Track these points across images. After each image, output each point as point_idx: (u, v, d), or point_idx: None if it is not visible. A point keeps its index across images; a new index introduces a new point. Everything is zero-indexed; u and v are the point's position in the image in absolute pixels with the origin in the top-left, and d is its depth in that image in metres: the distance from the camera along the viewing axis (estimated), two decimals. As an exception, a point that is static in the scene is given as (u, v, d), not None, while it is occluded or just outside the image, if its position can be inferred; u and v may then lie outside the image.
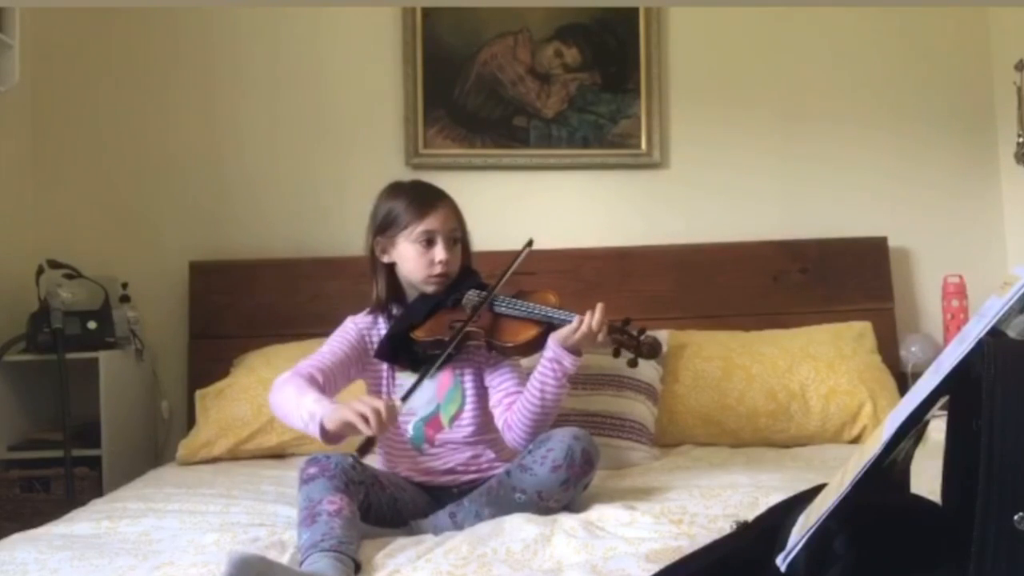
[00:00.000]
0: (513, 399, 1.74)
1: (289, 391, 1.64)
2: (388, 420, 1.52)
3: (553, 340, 1.69)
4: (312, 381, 1.67)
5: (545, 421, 1.70)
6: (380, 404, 1.50)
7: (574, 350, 1.68)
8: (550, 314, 1.72)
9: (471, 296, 1.77)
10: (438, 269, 1.77)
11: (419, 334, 1.75)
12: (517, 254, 1.78)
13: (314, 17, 2.84)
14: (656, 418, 2.31)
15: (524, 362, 1.88)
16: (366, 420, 1.49)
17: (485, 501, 1.62)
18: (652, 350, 1.71)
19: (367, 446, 1.52)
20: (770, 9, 2.92)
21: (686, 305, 2.75)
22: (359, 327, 1.83)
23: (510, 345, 1.73)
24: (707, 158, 2.90)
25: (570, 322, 1.67)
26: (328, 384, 1.72)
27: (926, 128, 2.94)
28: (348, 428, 1.53)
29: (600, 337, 1.66)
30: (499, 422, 1.76)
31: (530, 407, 1.69)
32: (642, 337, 1.70)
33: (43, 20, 2.76)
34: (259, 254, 2.78)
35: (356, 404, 1.51)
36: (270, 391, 1.70)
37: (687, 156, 2.91)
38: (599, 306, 1.66)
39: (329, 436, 1.55)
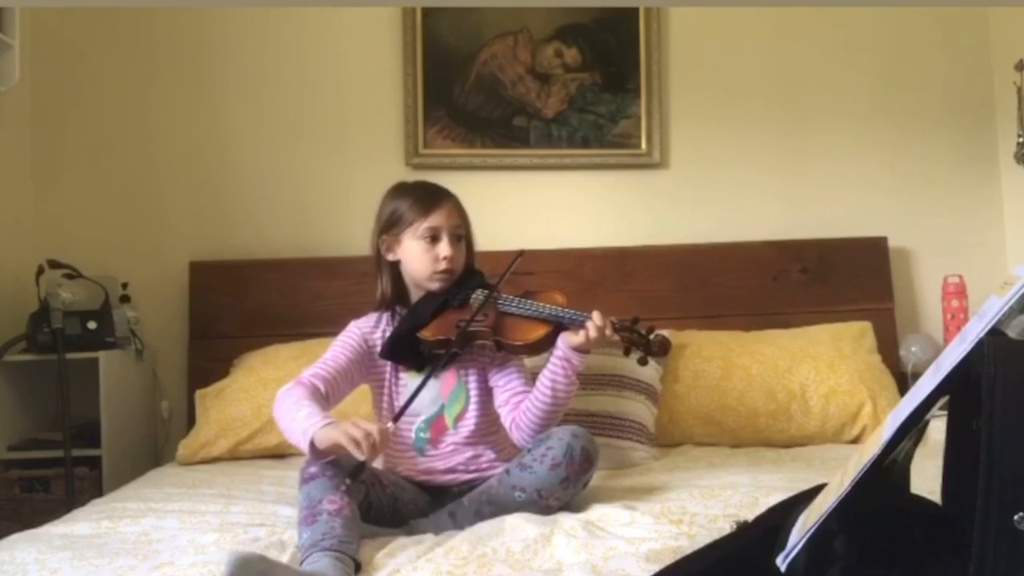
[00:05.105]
0: (520, 399, 1.75)
1: (288, 404, 1.62)
2: (381, 444, 1.49)
3: (563, 340, 1.70)
4: (314, 391, 1.66)
5: (554, 419, 1.71)
6: (373, 428, 1.47)
7: (583, 350, 1.69)
8: (558, 313, 1.72)
9: (478, 296, 1.77)
10: (442, 265, 1.77)
11: (426, 334, 1.75)
12: (509, 263, 1.77)
13: (315, 17, 2.84)
14: (656, 418, 2.31)
15: (528, 362, 1.89)
16: (357, 444, 1.46)
17: (485, 500, 1.62)
18: (662, 348, 1.73)
19: (358, 470, 1.50)
20: (770, 9, 2.92)
21: (686, 305, 2.75)
22: (362, 331, 1.83)
23: (519, 344, 1.73)
24: (707, 158, 2.91)
25: (578, 320, 1.69)
26: (332, 391, 1.71)
27: (926, 128, 2.94)
28: (338, 449, 1.50)
29: (608, 332, 1.67)
30: (506, 421, 1.77)
31: (540, 405, 1.69)
32: (652, 336, 1.72)
33: (43, 20, 2.76)
34: (259, 254, 2.78)
35: (349, 426, 1.48)
36: (274, 402, 1.68)
37: (687, 156, 2.91)
38: (595, 312, 1.68)
39: (318, 454, 1.53)
